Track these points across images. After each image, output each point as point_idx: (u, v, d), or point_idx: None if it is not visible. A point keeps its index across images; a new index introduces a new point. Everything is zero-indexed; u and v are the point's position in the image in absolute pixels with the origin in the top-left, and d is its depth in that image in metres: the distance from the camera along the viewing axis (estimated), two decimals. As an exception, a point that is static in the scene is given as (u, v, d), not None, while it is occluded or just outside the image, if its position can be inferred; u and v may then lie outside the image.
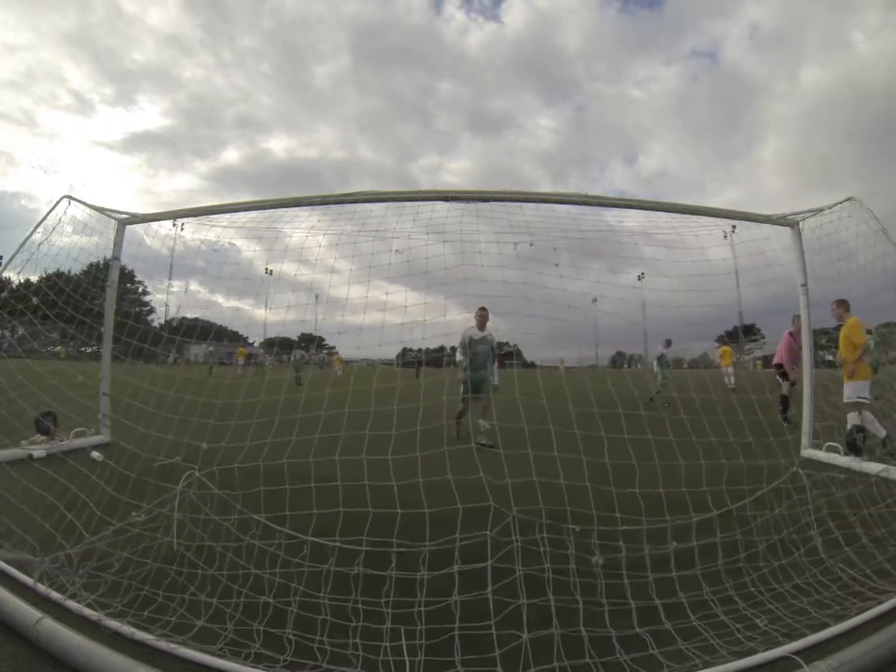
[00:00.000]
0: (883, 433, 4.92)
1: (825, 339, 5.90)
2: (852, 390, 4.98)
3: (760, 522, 2.68)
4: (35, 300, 4.46)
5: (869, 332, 7.01)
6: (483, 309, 6.14)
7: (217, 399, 3.62)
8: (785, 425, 6.50)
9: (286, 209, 4.45)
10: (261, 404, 3.60)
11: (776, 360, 7.70)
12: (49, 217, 4.53)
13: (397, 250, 3.74)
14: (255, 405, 3.60)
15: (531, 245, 3.76)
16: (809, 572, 2.28)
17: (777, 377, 7.63)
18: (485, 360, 6.04)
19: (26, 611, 1.81)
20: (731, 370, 12.88)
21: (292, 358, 13.99)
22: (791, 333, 7.28)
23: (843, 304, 5.29)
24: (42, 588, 2.04)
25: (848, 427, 4.98)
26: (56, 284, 4.63)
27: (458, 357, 6.16)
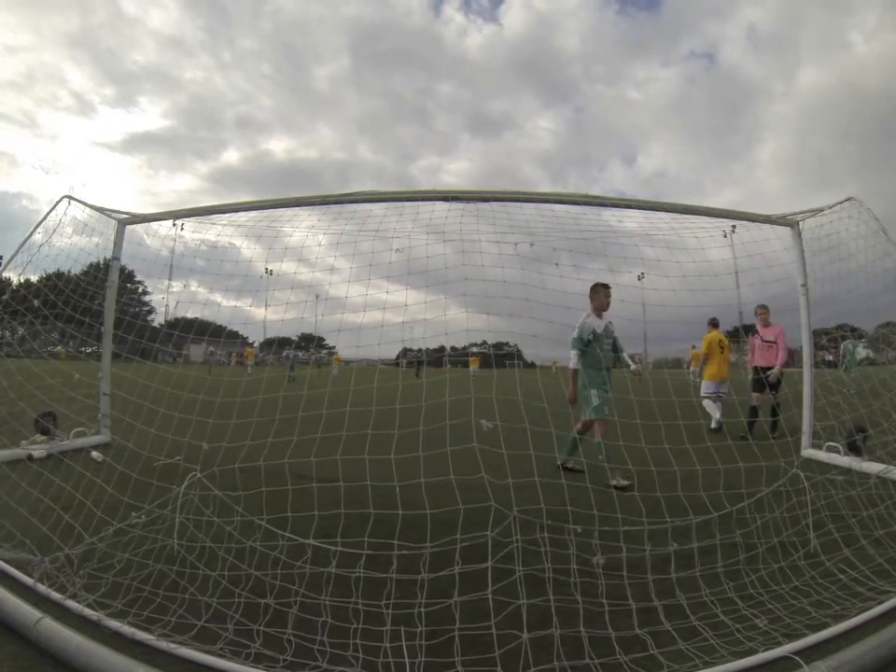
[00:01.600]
0: (718, 415, 6.78)
1: (825, 339, 5.87)
2: (703, 388, 7.23)
3: (760, 523, 2.68)
4: (36, 302, 4.45)
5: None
6: (605, 286, 4.36)
7: (215, 398, 3.61)
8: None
9: (285, 209, 4.46)
10: (260, 402, 3.60)
11: (761, 363, 6.28)
12: (49, 218, 4.53)
13: (397, 249, 3.74)
14: (254, 403, 3.60)
15: (531, 245, 3.76)
16: (809, 574, 2.28)
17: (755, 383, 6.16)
18: (611, 362, 4.41)
19: (26, 611, 1.81)
20: (695, 369, 11.93)
21: (287, 358, 14.39)
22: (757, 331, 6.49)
23: (710, 322, 7.28)
24: (42, 588, 2.04)
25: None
26: (56, 284, 4.63)
27: (573, 360, 4.21)
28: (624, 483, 3.68)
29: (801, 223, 4.95)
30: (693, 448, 3.18)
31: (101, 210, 5.06)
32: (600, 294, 4.36)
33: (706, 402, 6.93)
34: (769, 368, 6.13)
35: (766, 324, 6.46)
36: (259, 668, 1.61)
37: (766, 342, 6.34)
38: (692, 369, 11.93)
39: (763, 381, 6.00)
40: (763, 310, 6.49)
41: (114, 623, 1.81)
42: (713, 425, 6.62)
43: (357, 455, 2.77)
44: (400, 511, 2.39)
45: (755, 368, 6.32)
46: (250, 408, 3.52)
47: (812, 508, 2.80)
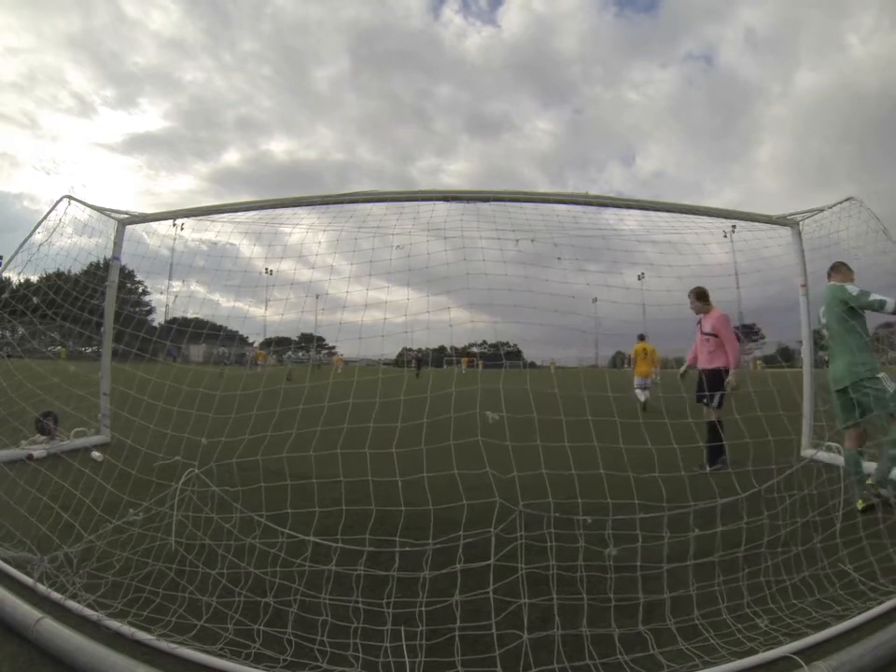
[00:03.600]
0: (642, 399, 9.52)
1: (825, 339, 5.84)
2: (634, 382, 10.22)
3: (782, 508, 2.58)
4: (35, 299, 4.45)
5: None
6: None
7: (215, 393, 3.59)
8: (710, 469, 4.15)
9: (285, 209, 4.45)
10: (260, 396, 3.57)
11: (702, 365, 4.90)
12: (49, 218, 4.53)
13: (398, 246, 3.73)
14: (253, 400, 3.58)
15: (532, 241, 3.75)
16: (808, 573, 2.28)
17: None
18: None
19: (26, 611, 1.82)
20: (648, 381, 11.42)
21: (285, 358, 14.94)
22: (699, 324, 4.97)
23: (638, 336, 9.88)
24: (42, 588, 2.04)
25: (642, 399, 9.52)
26: (56, 284, 4.63)
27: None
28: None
29: (801, 223, 4.96)
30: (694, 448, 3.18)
31: (101, 210, 5.06)
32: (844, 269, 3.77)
33: (636, 390, 9.92)
34: (711, 371, 4.65)
35: (702, 312, 4.96)
36: (259, 668, 1.61)
37: (705, 335, 4.83)
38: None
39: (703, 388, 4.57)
40: (694, 297, 4.91)
41: (114, 623, 1.81)
42: (641, 399, 9.58)
43: (359, 449, 2.75)
44: (403, 507, 2.38)
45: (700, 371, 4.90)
46: (250, 403, 3.50)
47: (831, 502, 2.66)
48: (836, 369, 3.46)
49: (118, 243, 5.22)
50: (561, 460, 2.64)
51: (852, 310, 3.39)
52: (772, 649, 1.71)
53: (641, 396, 9.63)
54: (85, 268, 5.07)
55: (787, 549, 2.41)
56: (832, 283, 3.74)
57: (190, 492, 2.62)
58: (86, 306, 4.74)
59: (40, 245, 4.42)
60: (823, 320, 3.70)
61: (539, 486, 2.55)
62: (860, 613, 1.91)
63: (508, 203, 3.97)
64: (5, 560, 2.27)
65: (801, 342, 5.30)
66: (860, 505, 3.06)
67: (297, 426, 3.01)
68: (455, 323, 3.15)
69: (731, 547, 2.43)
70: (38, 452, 4.32)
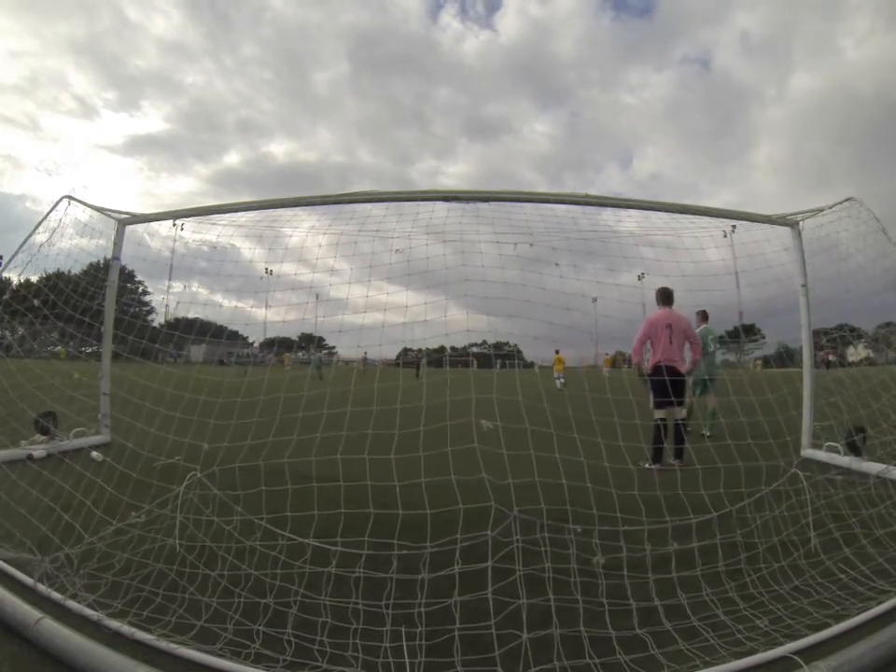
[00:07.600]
0: (559, 384, 15.82)
1: (825, 339, 5.82)
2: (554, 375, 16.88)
3: (760, 523, 2.67)
4: (36, 301, 4.45)
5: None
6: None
7: (217, 398, 3.61)
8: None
9: (285, 209, 4.46)
10: (262, 403, 3.59)
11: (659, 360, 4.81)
12: (49, 218, 4.53)
13: (397, 250, 3.74)
14: (255, 404, 3.60)
15: (531, 245, 3.76)
16: (809, 573, 2.28)
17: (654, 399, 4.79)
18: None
19: (26, 611, 1.81)
20: (560, 374, 17.09)
21: (312, 359, 15.76)
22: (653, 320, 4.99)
23: (556, 350, 14.16)
24: (42, 588, 2.04)
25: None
26: (56, 284, 4.63)
27: None
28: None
29: (801, 223, 4.95)
30: (693, 447, 3.19)
31: (101, 210, 5.06)
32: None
33: (556, 380, 16.18)
34: (678, 370, 4.80)
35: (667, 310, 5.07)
36: (258, 668, 1.61)
37: (673, 334, 4.92)
38: (557, 374, 17.14)
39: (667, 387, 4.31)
40: (663, 296, 5.05)
41: (114, 623, 1.81)
42: (559, 386, 15.21)
43: (358, 454, 2.77)
44: (400, 511, 2.39)
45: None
46: (251, 408, 3.52)
47: (812, 507, 2.79)
48: (703, 368, 6.18)
49: (117, 243, 5.21)
50: (552, 468, 2.68)
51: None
52: (772, 649, 1.71)
53: (558, 383, 15.67)
54: (85, 268, 5.07)
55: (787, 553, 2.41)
56: (709, 326, 6.82)
57: (192, 495, 2.63)
58: (87, 308, 4.74)
59: (40, 245, 4.41)
60: (711, 345, 6.64)
61: (531, 491, 2.58)
62: (859, 613, 1.91)
63: (507, 203, 3.97)
64: (5, 561, 2.27)
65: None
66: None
67: (297, 430, 3.02)
68: (455, 323, 3.16)
69: (730, 549, 2.43)
70: (38, 452, 4.32)
